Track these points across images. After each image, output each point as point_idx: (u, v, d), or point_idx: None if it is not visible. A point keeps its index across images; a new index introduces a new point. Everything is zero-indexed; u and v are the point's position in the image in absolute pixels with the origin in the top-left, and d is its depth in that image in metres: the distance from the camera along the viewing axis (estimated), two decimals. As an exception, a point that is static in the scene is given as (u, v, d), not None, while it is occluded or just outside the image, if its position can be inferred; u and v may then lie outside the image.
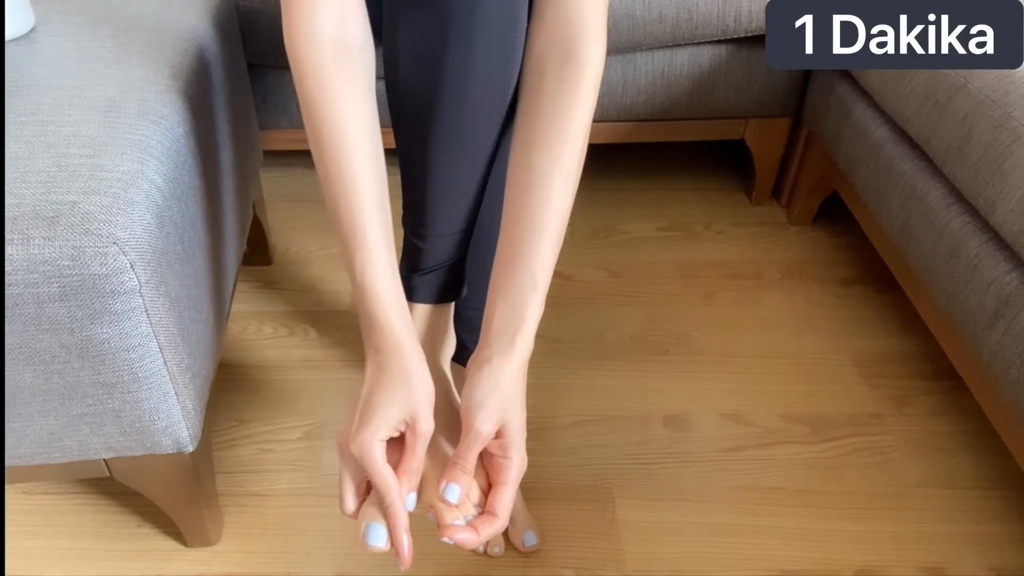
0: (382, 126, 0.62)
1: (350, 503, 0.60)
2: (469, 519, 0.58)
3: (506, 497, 0.58)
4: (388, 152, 0.63)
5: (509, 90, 0.62)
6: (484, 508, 0.59)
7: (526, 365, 0.60)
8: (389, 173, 0.61)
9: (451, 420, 0.64)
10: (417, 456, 0.58)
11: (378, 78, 0.61)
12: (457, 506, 0.58)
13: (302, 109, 0.59)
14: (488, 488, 0.60)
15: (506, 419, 0.58)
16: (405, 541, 0.56)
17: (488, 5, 0.56)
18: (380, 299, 0.58)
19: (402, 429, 0.58)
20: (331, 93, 0.58)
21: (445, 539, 0.56)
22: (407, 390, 0.57)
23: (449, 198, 0.66)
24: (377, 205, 0.59)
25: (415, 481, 0.59)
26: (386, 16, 0.60)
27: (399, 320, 0.58)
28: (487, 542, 0.79)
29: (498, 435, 0.59)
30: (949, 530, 0.82)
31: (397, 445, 0.59)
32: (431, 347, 0.71)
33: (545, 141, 0.60)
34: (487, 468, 0.61)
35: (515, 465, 0.59)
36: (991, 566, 0.79)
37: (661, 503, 0.85)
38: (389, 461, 0.58)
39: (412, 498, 0.59)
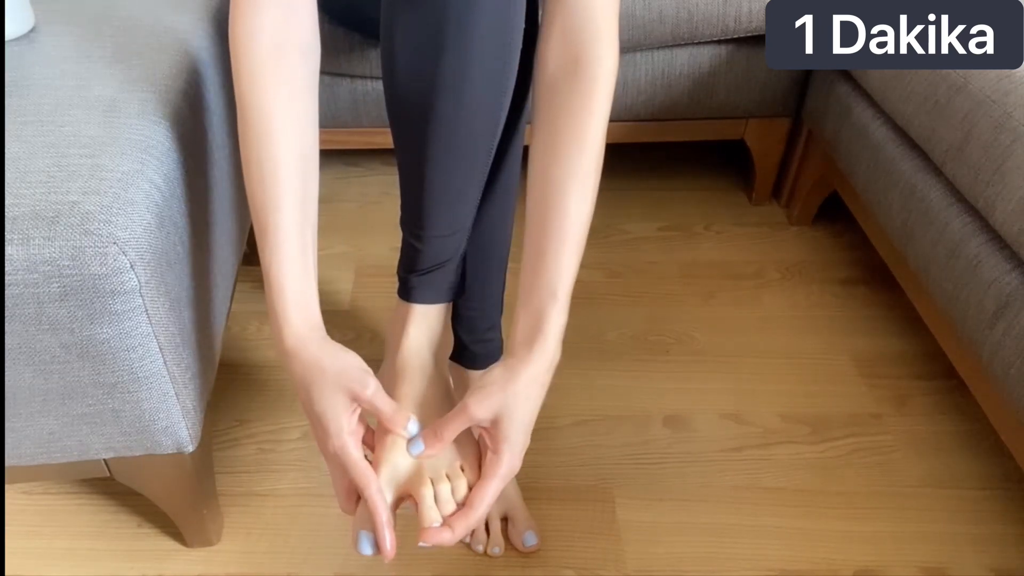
0: (379, 127, 0.62)
1: (345, 503, 0.61)
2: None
3: (486, 491, 0.59)
4: (386, 153, 0.63)
5: (507, 91, 0.62)
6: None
7: (546, 375, 0.60)
8: (388, 174, 0.61)
9: None
10: (384, 404, 0.59)
11: (375, 78, 0.61)
12: (437, 504, 0.59)
13: (236, 103, 0.59)
14: None
15: (503, 413, 0.58)
16: (387, 535, 0.57)
17: (484, 5, 0.56)
18: (283, 294, 0.58)
19: (355, 407, 0.59)
20: (263, 93, 0.58)
21: (422, 544, 0.57)
22: (328, 377, 0.57)
23: (446, 199, 0.66)
24: (295, 204, 0.59)
25: (402, 417, 0.60)
26: (383, 16, 0.60)
27: (297, 316, 0.58)
28: (486, 542, 0.79)
29: (494, 428, 0.59)
30: (949, 530, 0.82)
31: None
32: (429, 347, 0.71)
33: (561, 150, 0.60)
34: (482, 464, 0.61)
35: (503, 462, 0.59)
36: (991, 566, 0.79)
37: (661, 503, 0.85)
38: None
39: (414, 424, 0.60)
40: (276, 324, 0.58)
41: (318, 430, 0.59)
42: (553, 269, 0.60)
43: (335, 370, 0.57)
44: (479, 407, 0.58)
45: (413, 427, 0.60)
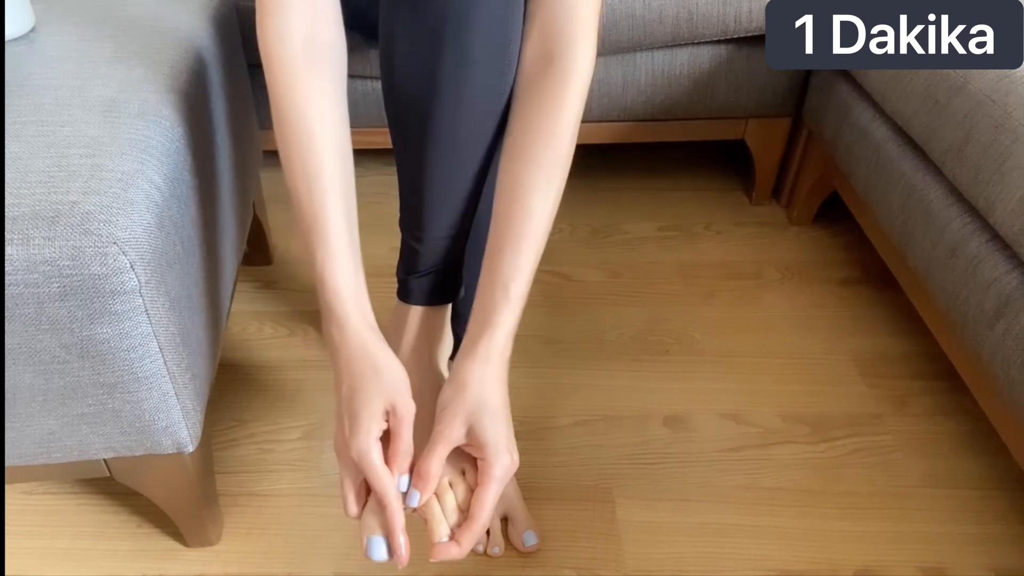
0: (379, 127, 0.62)
1: (352, 507, 0.61)
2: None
3: (484, 499, 0.59)
4: (385, 153, 0.63)
5: (505, 93, 0.62)
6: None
7: (499, 370, 0.60)
8: (387, 174, 0.61)
9: None
10: (404, 439, 0.59)
11: (375, 78, 0.61)
12: (442, 515, 0.59)
13: (271, 107, 0.59)
14: None
15: (473, 421, 0.58)
16: (402, 541, 0.57)
17: (482, 8, 0.56)
18: (339, 292, 0.58)
19: (387, 419, 0.58)
20: (299, 92, 0.58)
21: (432, 560, 0.57)
22: (380, 380, 0.57)
23: (445, 200, 0.66)
24: (340, 202, 0.59)
25: (406, 463, 0.59)
26: (382, 18, 0.61)
27: (356, 313, 0.59)
28: (486, 542, 0.79)
29: (472, 438, 0.59)
30: (949, 530, 0.82)
31: (386, 433, 0.60)
32: (428, 348, 0.71)
33: (528, 149, 0.60)
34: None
35: (494, 466, 0.59)
36: (991, 566, 0.79)
37: (661, 503, 0.85)
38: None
39: (405, 480, 0.59)
40: (335, 322, 0.58)
41: (347, 427, 0.58)
42: (509, 267, 0.60)
43: (388, 378, 0.58)
44: (448, 428, 0.58)
45: (403, 483, 0.59)
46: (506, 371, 0.61)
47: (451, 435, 0.58)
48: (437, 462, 0.59)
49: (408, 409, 0.58)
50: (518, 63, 0.62)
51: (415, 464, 0.59)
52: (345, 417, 0.59)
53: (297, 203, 0.59)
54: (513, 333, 0.60)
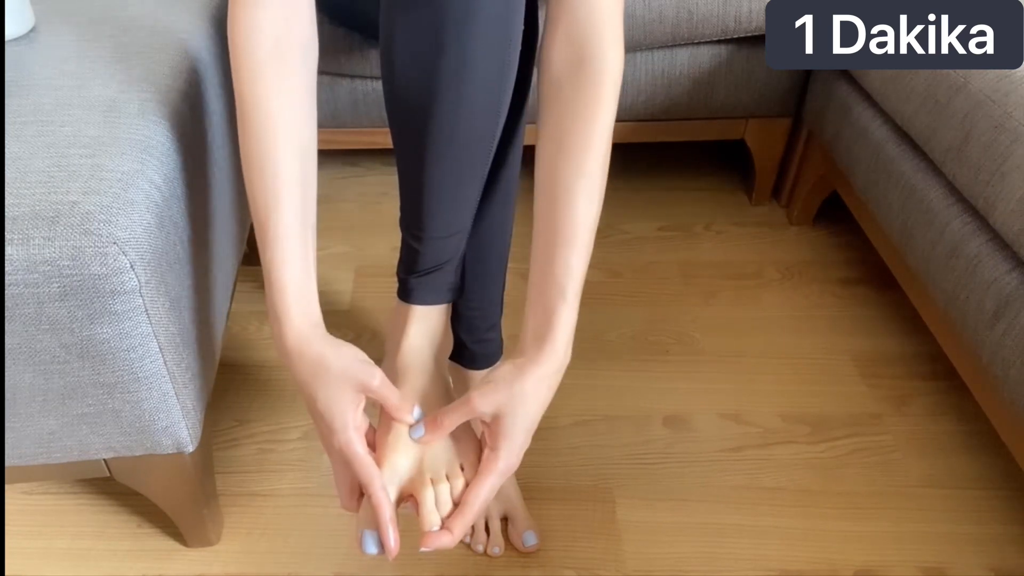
0: (379, 127, 0.62)
1: (347, 500, 0.61)
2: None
3: (481, 488, 0.59)
4: (385, 153, 0.63)
5: (506, 91, 0.62)
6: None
7: (555, 376, 0.60)
8: (388, 174, 0.61)
9: None
10: (391, 398, 0.60)
11: (375, 78, 0.61)
12: (436, 507, 0.59)
13: (236, 104, 0.59)
14: None
15: (506, 410, 0.58)
16: (391, 533, 0.57)
17: (483, 7, 0.56)
18: (284, 291, 0.58)
19: (362, 400, 0.59)
20: (263, 92, 0.58)
21: (423, 549, 0.57)
22: (333, 373, 0.57)
23: (445, 200, 0.66)
24: (297, 203, 0.59)
25: (409, 404, 0.61)
26: (382, 17, 0.60)
27: (299, 312, 0.58)
28: (486, 542, 0.79)
29: (495, 424, 0.59)
30: (949, 530, 0.82)
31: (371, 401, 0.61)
32: (428, 348, 0.71)
33: (568, 150, 0.60)
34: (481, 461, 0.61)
35: (500, 459, 0.59)
36: (991, 566, 0.79)
37: (661, 503, 0.85)
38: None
39: (417, 411, 0.62)
40: (277, 321, 0.58)
41: (322, 427, 0.59)
42: (562, 269, 0.60)
43: (340, 365, 0.58)
44: (483, 401, 0.58)
45: (417, 414, 0.61)
46: (558, 380, 0.61)
47: (479, 408, 0.58)
48: (455, 420, 0.59)
49: (376, 378, 0.58)
50: (546, 65, 0.62)
51: (435, 415, 0.60)
52: (319, 417, 0.59)
53: (252, 201, 0.59)
54: (572, 337, 0.61)
